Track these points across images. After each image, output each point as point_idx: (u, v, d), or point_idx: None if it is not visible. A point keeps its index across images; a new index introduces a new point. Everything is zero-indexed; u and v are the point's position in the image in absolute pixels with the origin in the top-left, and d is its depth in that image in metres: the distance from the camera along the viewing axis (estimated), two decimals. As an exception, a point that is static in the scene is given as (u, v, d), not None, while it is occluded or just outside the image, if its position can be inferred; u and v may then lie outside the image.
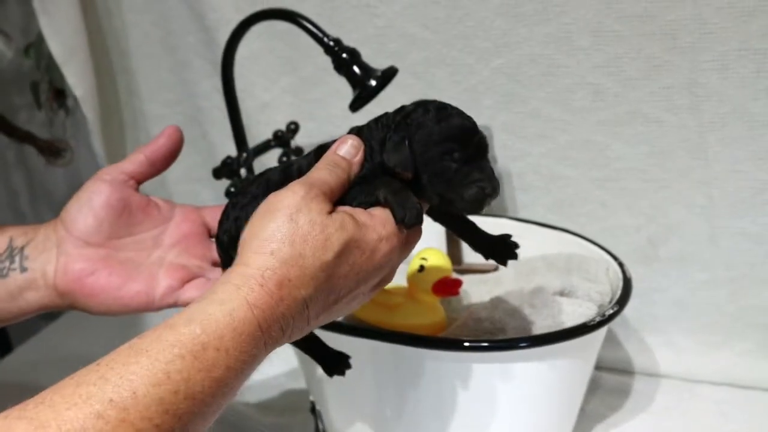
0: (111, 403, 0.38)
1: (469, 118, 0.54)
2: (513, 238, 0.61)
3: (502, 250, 0.60)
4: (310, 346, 0.63)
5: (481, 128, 0.83)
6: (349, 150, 0.53)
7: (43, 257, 0.58)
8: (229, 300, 0.44)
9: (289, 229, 0.46)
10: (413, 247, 0.54)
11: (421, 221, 0.50)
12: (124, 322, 1.09)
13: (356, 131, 0.55)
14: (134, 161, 0.60)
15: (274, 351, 0.89)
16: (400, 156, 0.52)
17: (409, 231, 0.51)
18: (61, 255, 0.58)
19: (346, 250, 0.48)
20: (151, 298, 0.58)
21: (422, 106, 0.55)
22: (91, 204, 0.58)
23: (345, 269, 0.48)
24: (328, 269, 0.47)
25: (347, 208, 0.51)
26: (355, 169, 0.53)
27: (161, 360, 0.41)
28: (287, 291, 0.45)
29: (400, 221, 0.50)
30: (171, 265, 0.60)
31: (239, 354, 0.43)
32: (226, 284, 0.45)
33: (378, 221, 0.50)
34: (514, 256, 0.60)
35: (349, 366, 0.63)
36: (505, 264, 0.60)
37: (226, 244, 0.56)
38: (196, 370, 0.41)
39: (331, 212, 0.49)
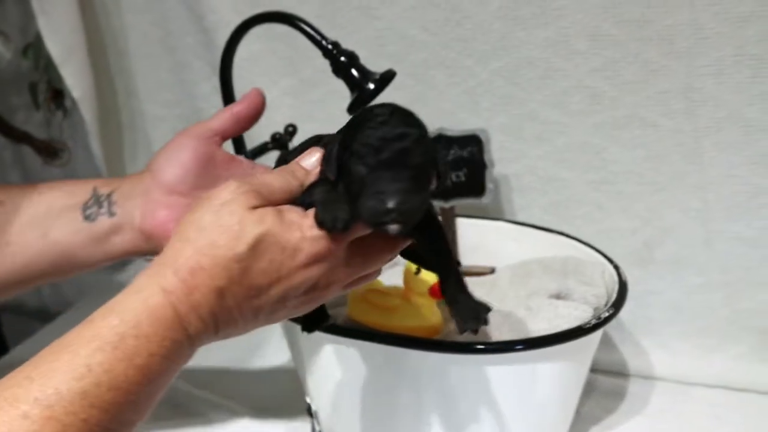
0: (36, 401, 0.39)
1: (401, 124, 0.49)
2: (510, 239, 0.60)
3: (469, 316, 0.54)
4: None
5: (478, 130, 0.84)
6: (313, 162, 0.53)
7: (130, 203, 0.61)
8: (145, 287, 0.44)
9: (209, 220, 0.47)
10: (360, 267, 0.51)
11: (341, 227, 0.47)
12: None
13: (322, 141, 0.54)
14: (221, 118, 0.64)
15: (270, 350, 0.90)
16: (328, 158, 0.50)
17: (335, 236, 0.48)
18: (148, 202, 0.61)
19: (262, 243, 0.47)
20: None
21: (368, 109, 0.51)
22: (178, 155, 0.62)
23: (263, 264, 0.47)
24: (242, 261, 0.46)
25: (282, 207, 0.50)
26: (311, 178, 0.52)
27: (81, 354, 0.41)
28: (200, 279, 0.45)
29: (319, 223, 0.48)
30: None
31: (160, 339, 0.43)
32: (144, 273, 0.46)
33: (307, 222, 0.48)
34: (474, 330, 0.54)
35: (322, 326, 0.62)
36: (461, 330, 0.54)
37: None
38: (117, 360, 0.41)
39: (257, 207, 0.48)
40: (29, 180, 1.29)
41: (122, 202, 0.62)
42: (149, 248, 0.62)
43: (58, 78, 1.08)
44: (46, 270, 0.63)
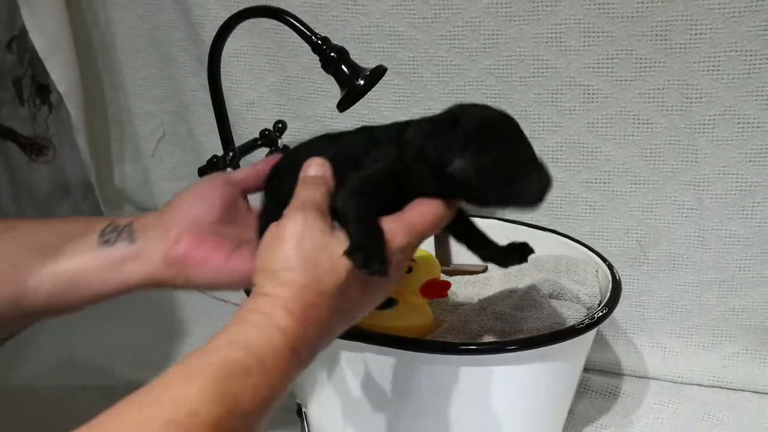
0: (170, 423, 0.40)
1: (502, 113, 0.55)
2: (503, 237, 0.61)
3: (511, 255, 0.62)
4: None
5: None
6: (318, 169, 0.56)
7: (151, 233, 0.61)
8: (264, 326, 0.47)
9: (299, 258, 0.50)
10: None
11: (378, 273, 0.49)
12: (100, 329, 1.08)
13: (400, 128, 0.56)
14: (245, 173, 0.66)
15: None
16: (459, 167, 0.51)
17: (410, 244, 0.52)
18: (172, 229, 0.61)
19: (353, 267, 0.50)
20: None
21: (471, 107, 0.55)
22: (207, 194, 0.63)
23: (357, 284, 0.51)
24: (342, 289, 0.50)
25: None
26: (331, 182, 0.55)
27: (214, 381, 0.43)
28: (312, 315, 0.49)
29: (355, 263, 0.49)
30: None
31: (281, 375, 0.46)
32: (257, 310, 0.48)
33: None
34: (518, 261, 0.61)
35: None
36: (505, 266, 0.62)
37: None
38: (246, 389, 0.44)
39: (330, 229, 0.51)
40: (14, 177, 1.28)
41: (143, 231, 0.62)
42: (167, 277, 0.61)
43: (44, 73, 1.07)
44: (58, 296, 0.62)
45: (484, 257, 0.62)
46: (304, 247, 0.50)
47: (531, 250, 0.62)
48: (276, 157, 0.66)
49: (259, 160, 0.66)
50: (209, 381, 0.42)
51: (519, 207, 0.56)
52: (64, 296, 0.62)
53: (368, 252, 0.49)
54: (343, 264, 0.50)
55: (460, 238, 0.62)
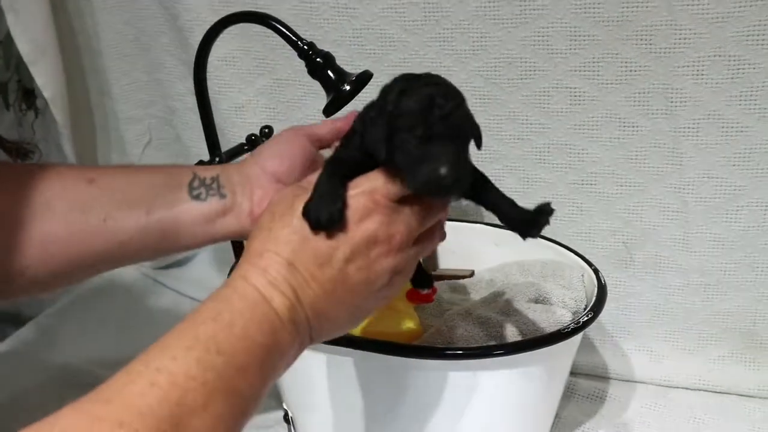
0: (158, 371, 0.43)
1: (441, 92, 0.50)
2: (489, 242, 0.60)
3: (527, 225, 0.57)
4: None
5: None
6: None
7: (238, 188, 0.64)
8: (232, 280, 0.51)
9: (266, 217, 0.53)
10: (416, 216, 0.54)
11: (325, 227, 0.50)
12: (86, 331, 1.07)
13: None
14: (325, 127, 0.67)
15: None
16: (373, 137, 0.51)
17: (373, 190, 0.51)
18: (256, 187, 0.63)
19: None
20: None
21: (400, 80, 0.52)
22: (288, 149, 0.64)
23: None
24: (298, 231, 0.51)
25: None
26: None
27: (187, 330, 0.46)
28: (269, 258, 0.50)
29: (306, 218, 0.51)
30: None
31: (251, 313, 0.48)
32: (232, 273, 0.52)
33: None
34: (533, 234, 0.57)
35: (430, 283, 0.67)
36: (524, 237, 0.58)
37: None
38: (219, 330, 0.46)
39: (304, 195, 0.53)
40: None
41: (231, 187, 0.64)
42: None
43: (30, 77, 1.06)
44: (144, 248, 0.64)
45: (507, 225, 0.59)
46: (273, 209, 0.53)
47: (547, 220, 0.57)
48: (354, 113, 0.65)
49: (339, 117, 0.67)
50: (182, 332, 0.46)
51: (425, 193, 0.52)
52: (154, 248, 0.64)
53: (318, 208, 0.50)
54: (297, 210, 0.52)
55: (482, 203, 0.61)
